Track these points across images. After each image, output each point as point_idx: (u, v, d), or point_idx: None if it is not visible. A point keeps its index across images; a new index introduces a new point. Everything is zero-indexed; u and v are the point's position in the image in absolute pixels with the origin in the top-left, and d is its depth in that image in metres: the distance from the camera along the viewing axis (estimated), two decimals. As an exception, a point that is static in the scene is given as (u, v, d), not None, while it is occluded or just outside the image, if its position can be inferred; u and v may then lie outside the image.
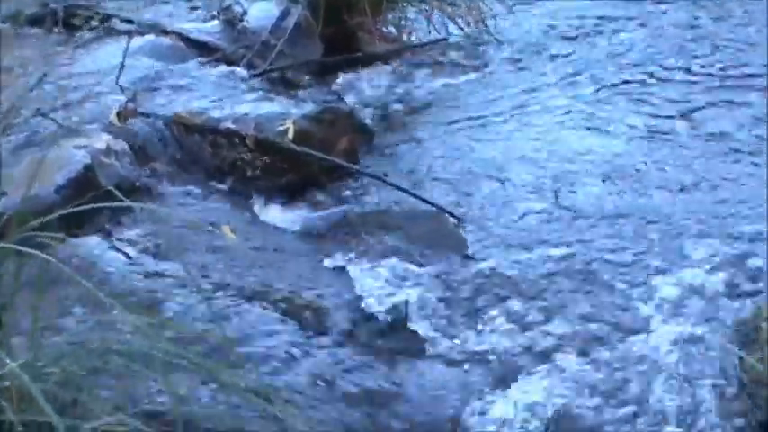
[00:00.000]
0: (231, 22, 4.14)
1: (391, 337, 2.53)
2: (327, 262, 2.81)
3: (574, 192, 3.13)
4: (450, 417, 2.31)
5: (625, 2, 4.62)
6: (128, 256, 2.64)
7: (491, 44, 4.34)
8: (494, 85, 3.99)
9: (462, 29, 4.41)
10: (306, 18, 4.16)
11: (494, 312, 2.57)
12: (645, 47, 4.18)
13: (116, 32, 4.06)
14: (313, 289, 2.64)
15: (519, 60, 4.19)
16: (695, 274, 2.65)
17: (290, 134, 3.23)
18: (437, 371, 2.44)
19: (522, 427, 2.27)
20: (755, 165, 3.22)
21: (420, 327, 2.55)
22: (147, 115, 3.27)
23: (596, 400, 2.32)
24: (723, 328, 2.45)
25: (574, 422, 2.28)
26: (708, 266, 2.67)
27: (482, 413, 2.31)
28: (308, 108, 3.42)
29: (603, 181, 3.18)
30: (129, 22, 4.15)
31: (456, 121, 3.69)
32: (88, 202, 2.38)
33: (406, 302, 2.58)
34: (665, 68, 3.97)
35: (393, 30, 4.43)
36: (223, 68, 3.73)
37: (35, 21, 4.13)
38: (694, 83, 3.84)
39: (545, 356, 2.45)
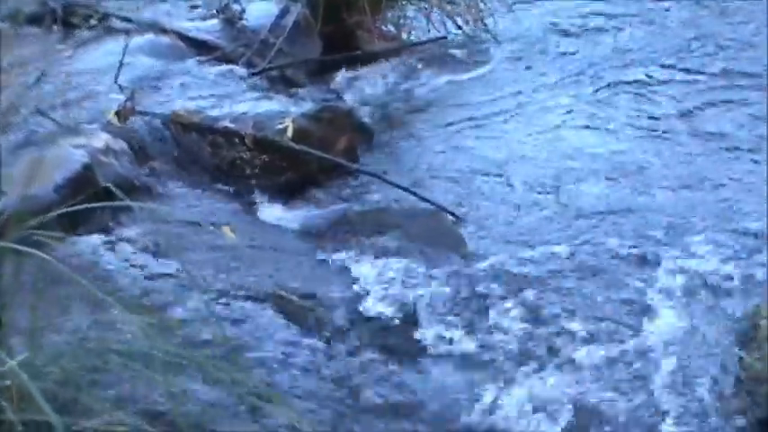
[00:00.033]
0: (230, 20, 4.14)
1: (390, 335, 2.54)
2: (327, 260, 2.81)
3: (574, 189, 3.13)
4: (452, 415, 2.31)
5: (625, 0, 4.63)
6: (127, 255, 2.64)
7: (490, 42, 4.34)
8: (493, 84, 4.00)
9: (461, 27, 4.41)
10: (305, 17, 4.16)
11: (493, 310, 2.58)
12: (645, 45, 4.18)
13: (115, 31, 4.05)
14: (312, 287, 2.64)
15: (518, 58, 4.20)
16: (696, 273, 2.65)
17: (290, 133, 3.23)
18: (437, 369, 2.44)
19: (522, 423, 2.28)
20: (756, 162, 3.22)
21: (419, 325, 2.55)
22: (146, 114, 3.27)
23: (595, 398, 2.32)
24: (723, 327, 2.45)
25: (572, 418, 2.28)
26: (708, 264, 2.67)
27: (482, 411, 2.31)
28: (308, 107, 3.42)
29: (605, 178, 3.18)
30: (128, 20, 4.15)
31: (455, 120, 3.69)
32: (87, 201, 2.38)
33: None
34: (666, 66, 3.97)
35: (392, 28, 4.43)
36: (222, 67, 3.73)
37: (34, 19, 4.12)
38: (695, 80, 3.85)
39: (544, 354, 2.45)
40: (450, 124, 3.66)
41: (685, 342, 2.43)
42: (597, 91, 3.82)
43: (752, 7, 4.39)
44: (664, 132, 3.47)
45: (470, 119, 3.68)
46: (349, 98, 3.90)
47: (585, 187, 3.15)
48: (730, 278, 2.62)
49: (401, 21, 4.42)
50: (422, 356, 2.48)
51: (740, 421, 2.24)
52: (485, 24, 4.38)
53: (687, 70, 3.93)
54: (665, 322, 2.51)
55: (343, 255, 2.82)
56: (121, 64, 3.51)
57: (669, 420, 2.26)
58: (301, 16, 4.16)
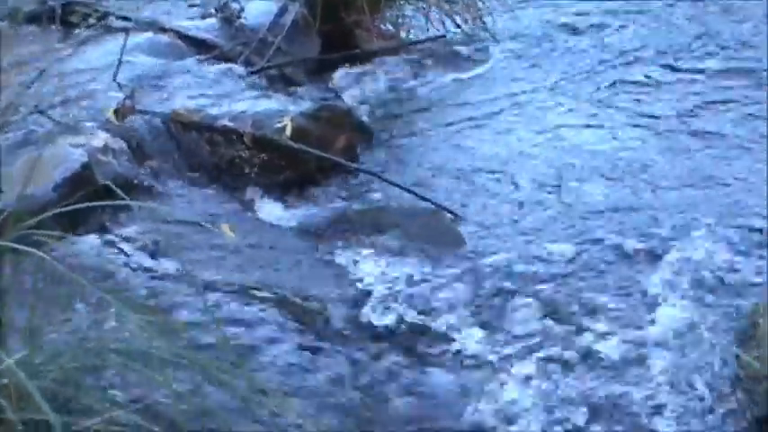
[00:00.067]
0: (229, 19, 4.14)
1: (390, 333, 2.54)
2: (325, 259, 2.81)
3: (576, 187, 3.13)
4: (450, 413, 2.31)
5: (624, -2, 4.63)
6: (126, 253, 2.64)
7: (489, 41, 4.34)
8: (493, 82, 3.99)
9: (460, 26, 4.41)
10: (303, 15, 4.16)
11: (492, 308, 2.58)
12: (647, 42, 4.18)
13: (114, 30, 4.05)
14: (311, 286, 2.64)
15: (518, 57, 4.19)
16: (695, 271, 2.65)
17: (288, 131, 3.23)
18: (435, 367, 2.44)
19: (522, 421, 2.28)
20: (758, 161, 3.22)
21: (419, 324, 2.55)
22: (145, 113, 3.27)
23: (594, 395, 2.32)
24: (722, 325, 2.45)
25: (570, 416, 2.28)
26: (709, 262, 2.67)
27: (482, 410, 2.31)
28: (306, 105, 3.42)
29: (606, 177, 3.18)
30: (127, 19, 4.15)
31: (455, 118, 3.69)
32: (86, 200, 2.38)
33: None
34: (668, 64, 3.97)
35: (391, 27, 4.42)
36: (221, 66, 3.73)
37: (33, 18, 4.12)
38: (696, 78, 3.84)
39: (543, 353, 2.45)
40: (450, 123, 3.66)
41: (684, 340, 2.43)
42: (598, 89, 3.82)
43: (753, 6, 4.39)
44: (666, 130, 3.46)
45: (470, 117, 3.68)
46: (348, 97, 3.90)
47: (586, 185, 3.14)
48: (730, 276, 2.62)
49: (400, 20, 4.42)
50: (422, 355, 2.48)
51: (738, 420, 2.24)
52: (484, 23, 4.38)
53: (689, 68, 3.92)
54: (665, 321, 2.51)
55: (343, 254, 2.82)
56: (120, 63, 3.51)
57: (667, 418, 2.27)
58: (300, 15, 4.15)
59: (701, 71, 3.89)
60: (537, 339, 2.49)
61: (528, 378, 2.39)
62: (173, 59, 3.77)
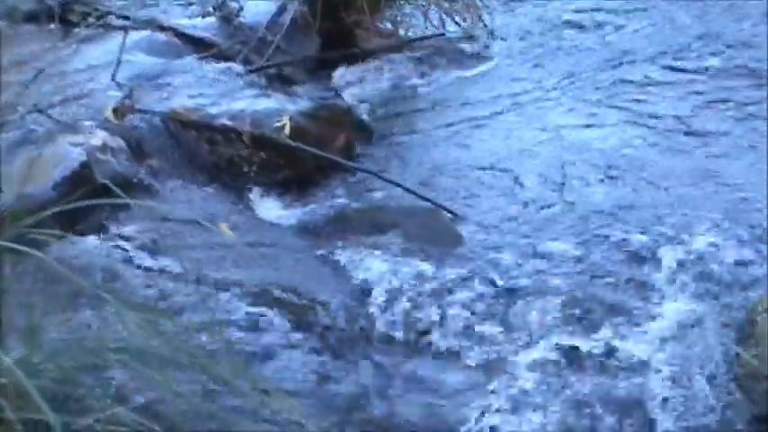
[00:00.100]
0: (228, 17, 4.14)
1: (388, 332, 2.54)
2: (324, 258, 2.81)
3: (577, 186, 3.13)
4: (448, 411, 2.31)
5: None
6: (125, 252, 2.64)
7: (489, 39, 4.33)
8: (492, 80, 3.99)
9: (459, 24, 4.41)
10: (303, 14, 4.16)
11: (491, 307, 2.58)
12: (646, 40, 4.17)
13: (112, 29, 4.05)
14: (310, 285, 2.64)
15: (518, 55, 4.19)
16: (694, 269, 2.65)
17: (287, 130, 3.23)
18: (433, 366, 2.44)
19: (518, 420, 2.28)
20: (757, 159, 3.22)
21: (417, 323, 2.55)
22: (144, 111, 3.26)
23: (592, 394, 2.32)
24: (721, 323, 2.45)
25: (567, 414, 2.29)
26: (708, 260, 2.67)
27: (480, 409, 2.32)
28: (305, 104, 3.42)
29: (607, 175, 3.18)
30: (126, 18, 4.15)
31: (455, 117, 3.68)
32: (85, 198, 2.38)
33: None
34: (667, 61, 3.96)
35: (390, 26, 4.42)
36: (220, 64, 3.72)
37: (31, 17, 4.12)
38: (695, 77, 3.84)
39: (541, 351, 2.45)
40: (450, 121, 3.66)
41: (683, 338, 2.43)
42: (598, 88, 3.81)
43: (754, 5, 4.38)
44: (666, 129, 3.46)
45: (470, 116, 3.68)
46: (347, 96, 3.90)
47: (587, 184, 3.14)
48: (730, 274, 2.62)
49: (399, 18, 4.42)
50: (420, 354, 2.48)
51: (737, 418, 2.24)
52: (483, 21, 4.38)
53: (689, 66, 3.92)
54: (663, 318, 2.51)
55: (341, 253, 2.82)
56: (119, 61, 3.51)
57: (666, 416, 2.27)
58: (299, 14, 4.15)
59: (701, 69, 3.89)
60: (535, 337, 2.49)
61: (526, 376, 2.39)
62: (171, 58, 3.77)
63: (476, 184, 3.18)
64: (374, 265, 2.73)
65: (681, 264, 2.68)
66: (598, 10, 4.52)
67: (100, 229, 2.70)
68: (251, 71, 3.75)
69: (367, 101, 3.86)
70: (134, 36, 3.84)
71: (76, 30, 4.08)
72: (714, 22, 4.28)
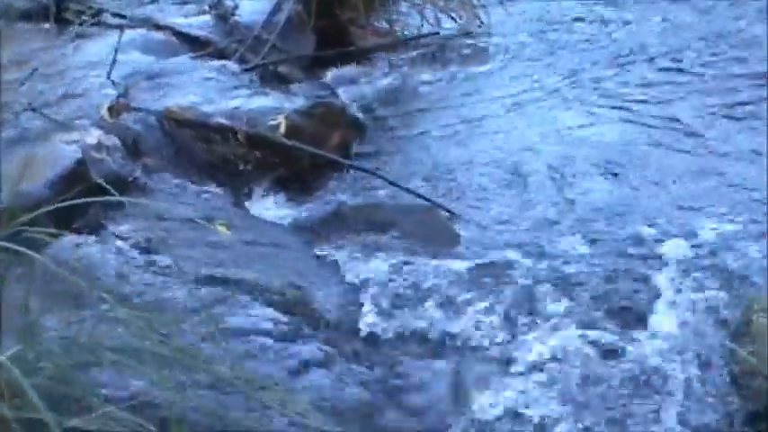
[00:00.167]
0: (223, 16, 4.14)
1: (385, 331, 2.54)
2: (320, 256, 2.81)
3: (573, 184, 3.13)
4: (446, 410, 2.31)
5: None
6: (120, 250, 2.64)
7: (485, 37, 4.33)
8: (488, 78, 3.99)
9: (455, 21, 4.41)
10: (298, 12, 4.15)
11: (488, 306, 2.58)
12: (644, 38, 4.17)
13: (108, 27, 4.05)
14: (305, 283, 2.64)
15: (513, 53, 4.19)
16: (692, 267, 2.65)
17: (282, 129, 3.23)
18: (430, 364, 2.44)
19: (512, 421, 2.28)
20: (758, 158, 3.22)
21: (414, 321, 2.55)
22: (139, 110, 3.26)
23: (589, 392, 2.32)
24: (718, 320, 2.45)
25: (563, 412, 2.29)
26: (706, 258, 2.67)
27: (477, 408, 2.31)
28: (301, 103, 3.42)
29: (606, 173, 3.17)
30: (121, 16, 4.15)
31: (450, 115, 3.68)
32: (80, 197, 2.38)
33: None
34: (667, 58, 3.96)
35: (385, 24, 4.42)
36: (215, 63, 3.72)
37: (27, 15, 4.12)
38: (695, 73, 3.84)
39: (539, 350, 2.45)
40: (446, 120, 3.65)
41: (679, 335, 2.43)
42: (597, 85, 3.81)
43: (754, 4, 4.38)
44: (667, 126, 3.45)
45: (466, 114, 3.68)
46: (342, 94, 3.89)
47: (584, 182, 3.14)
48: (728, 272, 2.62)
49: (394, 16, 4.42)
50: (417, 353, 2.48)
51: (733, 415, 2.24)
52: (479, 19, 4.38)
53: (690, 64, 3.92)
54: (660, 315, 2.51)
55: (337, 251, 2.82)
56: (114, 60, 3.51)
57: (662, 414, 2.27)
58: (294, 12, 4.15)
59: (701, 67, 3.89)
60: (533, 335, 2.49)
61: (524, 375, 2.39)
62: (167, 57, 3.77)
63: (472, 182, 3.18)
64: (370, 264, 2.73)
65: (678, 262, 2.68)
66: (595, 7, 4.52)
67: (95, 228, 2.70)
68: (246, 70, 3.74)
69: (362, 99, 3.86)
70: (129, 34, 3.83)
71: (72, 28, 4.07)
72: (714, 20, 4.28)
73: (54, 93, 3.36)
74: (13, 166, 2.58)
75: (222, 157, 3.23)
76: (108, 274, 2.52)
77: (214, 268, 2.60)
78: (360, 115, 3.65)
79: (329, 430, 2.13)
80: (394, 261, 2.73)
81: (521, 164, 3.26)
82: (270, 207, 3.14)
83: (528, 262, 2.71)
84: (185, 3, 4.43)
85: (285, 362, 2.33)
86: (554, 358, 2.42)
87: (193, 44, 3.93)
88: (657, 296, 2.58)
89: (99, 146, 2.97)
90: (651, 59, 3.97)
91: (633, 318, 2.52)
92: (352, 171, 3.26)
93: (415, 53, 4.24)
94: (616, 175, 3.16)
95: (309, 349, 2.40)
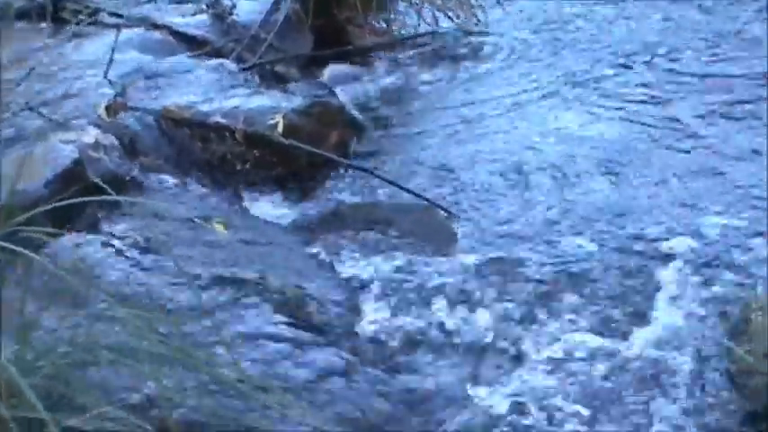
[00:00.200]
0: (220, 15, 4.13)
1: (383, 330, 2.53)
2: (318, 255, 2.81)
3: (572, 184, 3.12)
4: (443, 409, 2.31)
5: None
6: (117, 250, 2.63)
7: (482, 36, 4.33)
8: (486, 77, 3.99)
9: (453, 20, 4.40)
10: (296, 12, 4.15)
11: (486, 305, 2.58)
12: (643, 37, 4.16)
13: (105, 26, 4.04)
14: (303, 282, 2.64)
15: (511, 51, 4.18)
16: (691, 265, 2.65)
17: (280, 128, 3.23)
18: (430, 365, 2.44)
19: (512, 420, 2.28)
20: (757, 157, 3.22)
21: (411, 321, 2.55)
22: (137, 109, 3.26)
23: (586, 391, 2.32)
24: (715, 319, 2.45)
25: (561, 410, 2.29)
26: (705, 256, 2.67)
27: (475, 408, 2.31)
28: (298, 102, 3.42)
29: (605, 172, 3.17)
30: (118, 15, 4.15)
31: (449, 115, 3.68)
32: (77, 196, 2.38)
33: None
34: (666, 57, 3.96)
35: (383, 23, 4.42)
36: (212, 62, 3.72)
37: (23, 14, 4.11)
38: (693, 72, 3.83)
39: (536, 349, 2.45)
40: (444, 119, 3.65)
41: (677, 334, 2.43)
42: (596, 85, 3.80)
43: (754, 3, 4.38)
44: (667, 126, 3.45)
45: (464, 113, 3.67)
46: (340, 93, 3.89)
47: (583, 182, 3.13)
48: (727, 270, 2.62)
49: (392, 15, 4.42)
50: (414, 352, 2.47)
51: (731, 414, 2.24)
52: (476, 18, 4.38)
53: (690, 63, 3.91)
54: (658, 313, 2.51)
55: (335, 250, 2.82)
56: (111, 59, 3.51)
57: (659, 413, 2.27)
58: (292, 11, 4.15)
59: (700, 67, 3.88)
60: (528, 334, 2.49)
61: (522, 374, 2.39)
62: (164, 56, 3.77)
63: (471, 181, 3.18)
64: (368, 263, 2.73)
65: (676, 260, 2.68)
66: (594, 6, 4.51)
67: (92, 227, 2.70)
68: (244, 69, 3.74)
69: (360, 98, 3.86)
70: (126, 34, 3.83)
71: (69, 27, 4.07)
72: (715, 21, 4.28)
73: (51, 92, 3.35)
74: (10, 165, 2.57)
75: (220, 156, 3.22)
76: (105, 274, 2.52)
77: (212, 267, 2.60)
78: (358, 114, 3.65)
79: (328, 430, 2.13)
80: (392, 260, 2.73)
81: (519, 163, 3.25)
82: (267, 206, 3.14)
83: (528, 261, 2.71)
84: (182, 2, 4.42)
85: (284, 361, 2.33)
86: (547, 358, 2.42)
87: (191, 43, 3.92)
88: (656, 294, 2.58)
89: (96, 145, 2.97)
90: (651, 58, 3.97)
91: (632, 315, 2.52)
92: (350, 170, 3.26)
93: (412, 52, 4.24)
94: (616, 174, 3.15)
95: (308, 349, 2.39)
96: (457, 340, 2.50)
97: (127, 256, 2.61)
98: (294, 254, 2.83)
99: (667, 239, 2.76)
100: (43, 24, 4.09)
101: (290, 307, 2.53)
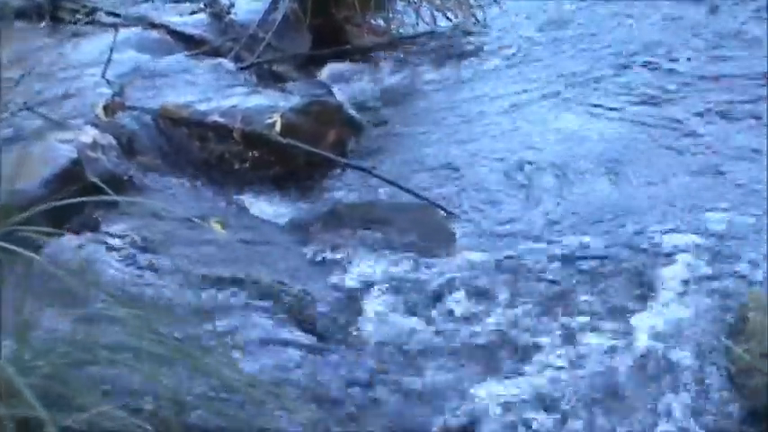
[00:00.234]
0: (218, 14, 4.14)
1: (380, 329, 2.53)
2: (316, 254, 2.81)
3: (570, 184, 3.12)
4: (441, 408, 2.31)
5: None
6: (115, 250, 2.63)
7: (480, 35, 4.33)
8: (485, 77, 3.99)
9: (450, 20, 4.41)
10: (294, 11, 4.16)
11: (484, 304, 2.58)
12: (643, 37, 4.17)
13: (102, 26, 4.05)
14: (301, 281, 2.64)
15: (509, 51, 4.19)
16: (689, 264, 2.65)
17: (278, 127, 3.23)
18: (427, 364, 2.44)
19: (511, 417, 2.28)
20: (756, 151, 3.22)
21: (409, 320, 2.55)
22: (134, 109, 3.26)
23: (582, 391, 2.33)
24: (713, 318, 2.46)
25: (558, 410, 2.29)
26: (704, 255, 2.67)
27: (473, 407, 2.31)
28: (296, 101, 3.42)
29: (604, 171, 3.17)
30: (116, 15, 4.15)
31: (446, 114, 3.68)
32: (75, 196, 2.38)
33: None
34: (662, 57, 3.96)
35: (381, 22, 4.42)
36: (211, 61, 3.72)
37: (21, 14, 4.11)
38: (693, 71, 3.83)
39: (533, 348, 2.45)
40: (442, 118, 3.65)
41: (676, 333, 2.44)
42: (594, 84, 3.81)
43: (753, 3, 4.38)
44: (667, 125, 3.45)
45: (462, 113, 3.68)
46: (338, 92, 3.89)
47: (582, 181, 3.14)
48: (726, 269, 2.62)
49: (390, 15, 4.42)
50: (412, 352, 2.47)
51: (729, 412, 2.25)
52: (475, 17, 4.38)
53: (689, 62, 3.91)
54: (657, 312, 2.51)
55: (333, 249, 2.81)
56: (109, 59, 3.51)
57: (657, 411, 2.27)
58: (290, 11, 4.15)
59: (700, 67, 3.88)
60: (527, 332, 2.49)
61: (520, 373, 2.39)
62: (162, 55, 3.77)
63: (469, 180, 3.18)
64: (365, 261, 2.73)
65: (675, 259, 2.68)
66: (593, 6, 4.51)
67: (90, 227, 2.70)
68: (242, 68, 3.75)
69: (358, 97, 3.86)
70: (124, 33, 3.83)
71: (67, 27, 4.07)
72: (715, 20, 4.28)
73: (49, 92, 3.35)
74: (8, 164, 2.57)
75: (218, 155, 3.23)
76: (103, 273, 2.51)
77: (209, 267, 2.60)
78: (355, 113, 3.65)
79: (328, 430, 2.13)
80: (390, 260, 2.73)
81: (519, 162, 3.26)
82: (265, 205, 3.14)
83: (527, 260, 2.72)
84: (180, 1, 4.42)
85: (282, 360, 2.33)
86: (544, 358, 2.42)
87: (188, 43, 3.93)
88: (655, 293, 2.58)
89: (94, 145, 2.97)
90: (651, 58, 3.97)
91: (627, 314, 2.52)
92: (348, 169, 3.26)
93: (411, 51, 4.24)
94: (616, 173, 3.16)
95: (306, 348, 2.40)
96: (457, 339, 2.50)
97: (125, 256, 2.61)
98: (292, 253, 2.83)
99: (667, 239, 2.76)
100: (41, 24, 4.09)
101: (288, 306, 2.53)
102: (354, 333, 2.51)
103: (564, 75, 3.89)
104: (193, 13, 4.22)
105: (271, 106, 3.33)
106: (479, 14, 4.39)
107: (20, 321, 1.84)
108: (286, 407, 2.08)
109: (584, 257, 2.73)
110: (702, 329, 2.43)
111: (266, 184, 3.21)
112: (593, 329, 2.49)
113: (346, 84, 3.99)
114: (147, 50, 3.78)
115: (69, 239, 2.60)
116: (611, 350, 2.42)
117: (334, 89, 3.91)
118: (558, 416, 2.28)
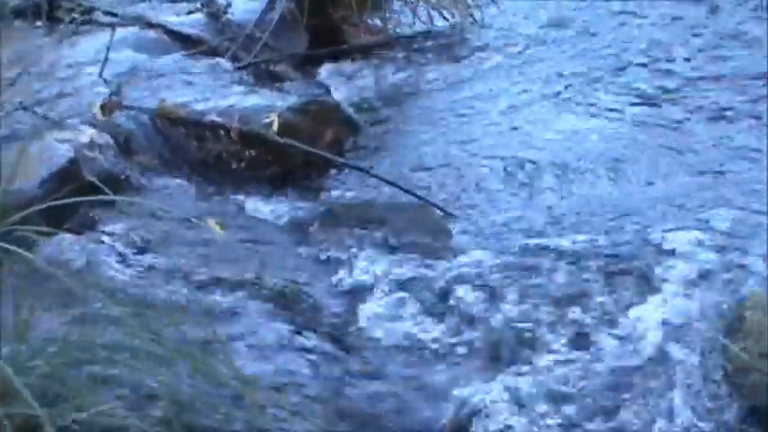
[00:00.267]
0: (215, 14, 4.13)
1: (378, 329, 2.53)
2: (313, 254, 2.81)
3: (569, 184, 3.12)
4: (439, 408, 2.31)
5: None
6: (112, 249, 2.63)
7: (478, 34, 4.33)
8: (481, 76, 3.98)
9: (448, 19, 4.40)
10: (291, 10, 4.15)
11: (482, 304, 2.57)
12: (643, 37, 4.16)
13: (100, 25, 4.04)
14: (299, 281, 2.64)
15: (507, 50, 4.18)
16: (688, 263, 2.65)
17: (275, 127, 3.23)
18: (424, 362, 2.44)
19: (507, 417, 2.28)
20: (756, 151, 3.22)
21: (407, 319, 2.55)
22: (132, 108, 3.26)
23: (580, 391, 2.33)
24: (711, 317, 2.46)
25: (557, 409, 2.29)
26: (703, 255, 2.67)
27: (472, 407, 2.32)
28: (294, 100, 3.42)
29: (603, 171, 3.17)
30: (113, 14, 4.14)
31: (444, 113, 3.68)
32: (72, 195, 2.38)
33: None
34: (662, 57, 3.96)
35: (378, 22, 4.42)
36: (208, 61, 3.72)
37: (18, 13, 4.11)
38: (693, 71, 3.83)
39: (532, 348, 2.45)
40: (440, 118, 3.65)
41: (672, 333, 2.44)
42: (595, 84, 3.80)
43: (753, 4, 4.38)
44: (661, 121, 3.45)
45: (460, 112, 3.67)
46: (336, 92, 3.89)
47: (581, 181, 3.14)
48: (725, 268, 2.62)
49: (387, 14, 4.42)
50: (409, 351, 2.47)
51: (726, 411, 2.25)
52: (472, 17, 4.38)
53: (689, 63, 3.91)
54: (654, 311, 2.51)
55: (330, 248, 2.81)
56: (106, 58, 3.50)
57: (655, 410, 2.27)
58: (287, 10, 4.15)
59: (699, 67, 3.88)
60: (526, 332, 2.49)
61: (518, 373, 2.39)
62: (159, 55, 3.77)
63: (466, 180, 3.18)
64: (362, 261, 2.73)
65: (674, 258, 2.68)
66: (592, 5, 4.51)
67: (88, 226, 2.70)
68: (239, 68, 3.75)
69: (355, 97, 3.86)
70: (121, 33, 3.83)
71: (64, 26, 4.06)
72: (715, 20, 4.28)
73: (46, 91, 3.35)
74: (4, 164, 2.57)
75: (215, 154, 3.22)
76: (100, 273, 2.51)
77: (207, 266, 2.60)
78: (353, 113, 3.65)
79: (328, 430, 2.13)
80: (388, 259, 2.73)
81: (518, 162, 3.25)
82: (262, 205, 3.13)
83: (527, 259, 2.71)
84: (177, 1, 4.42)
85: (280, 360, 2.33)
86: (543, 357, 2.42)
87: (186, 42, 3.93)
88: (654, 292, 2.58)
89: (91, 144, 2.97)
90: (651, 58, 3.97)
91: (625, 313, 2.52)
92: (345, 169, 3.26)
93: (408, 51, 4.24)
94: (615, 173, 3.15)
95: (304, 347, 2.39)
96: (458, 337, 2.50)
97: (122, 256, 2.61)
98: (290, 253, 2.83)
99: (665, 238, 2.76)
100: (38, 23, 4.09)
101: (286, 306, 2.53)
102: (353, 332, 2.51)
103: (564, 74, 3.88)
104: (190, 12, 4.22)
105: (268, 106, 3.33)
106: (477, 14, 4.39)
107: (17, 321, 1.84)
108: (285, 407, 2.08)
109: (583, 257, 2.72)
110: (700, 328, 2.43)
111: (264, 183, 3.21)
112: (592, 328, 2.49)
113: (343, 83, 3.99)
114: (144, 50, 3.78)
115: (66, 239, 2.60)
116: (610, 349, 2.42)
117: (332, 89, 3.91)
118: (552, 414, 2.28)
